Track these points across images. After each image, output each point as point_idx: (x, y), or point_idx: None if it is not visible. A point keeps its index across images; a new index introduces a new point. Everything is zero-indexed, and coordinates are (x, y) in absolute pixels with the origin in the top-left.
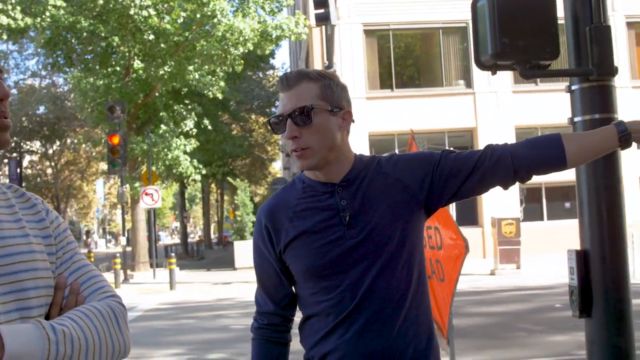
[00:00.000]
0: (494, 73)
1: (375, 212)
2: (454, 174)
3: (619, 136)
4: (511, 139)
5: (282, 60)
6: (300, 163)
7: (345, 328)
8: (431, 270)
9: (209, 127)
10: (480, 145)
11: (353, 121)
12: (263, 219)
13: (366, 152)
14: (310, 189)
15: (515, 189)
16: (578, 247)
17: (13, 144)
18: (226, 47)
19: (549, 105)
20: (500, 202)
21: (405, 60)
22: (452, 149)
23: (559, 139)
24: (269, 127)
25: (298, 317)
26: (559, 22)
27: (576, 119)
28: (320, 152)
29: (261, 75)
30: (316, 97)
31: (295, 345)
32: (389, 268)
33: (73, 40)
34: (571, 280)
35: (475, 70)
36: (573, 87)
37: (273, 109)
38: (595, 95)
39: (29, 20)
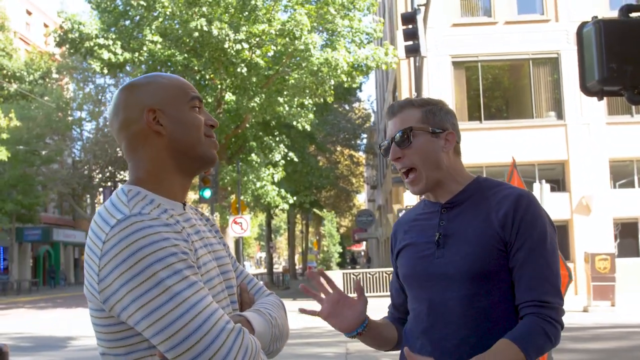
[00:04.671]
0: (600, 99)
1: (463, 237)
2: (512, 253)
3: None
4: (605, 172)
5: (368, 93)
6: (412, 189)
7: (421, 342)
8: None
9: (295, 159)
10: (573, 178)
11: (458, 141)
12: (393, 230)
13: None
14: (426, 207)
15: (609, 223)
16: None
17: (108, 174)
18: (320, 79)
19: None
20: (593, 236)
21: (494, 91)
22: (548, 241)
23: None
24: (381, 152)
25: None
26: None
27: None
28: (426, 173)
29: (347, 108)
30: (418, 121)
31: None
32: (465, 294)
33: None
34: None
35: (567, 102)
36: None
37: (358, 142)
38: None
39: (127, 55)
